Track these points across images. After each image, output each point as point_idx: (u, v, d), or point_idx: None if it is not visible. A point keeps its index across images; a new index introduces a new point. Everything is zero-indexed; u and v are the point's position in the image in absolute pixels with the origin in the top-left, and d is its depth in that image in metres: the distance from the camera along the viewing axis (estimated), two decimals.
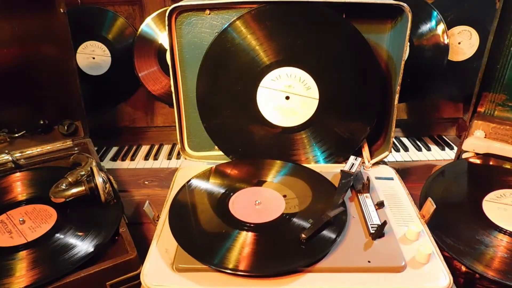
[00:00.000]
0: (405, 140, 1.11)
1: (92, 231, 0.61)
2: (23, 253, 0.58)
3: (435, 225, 0.61)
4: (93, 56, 1.04)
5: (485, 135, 0.81)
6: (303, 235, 0.54)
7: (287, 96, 0.76)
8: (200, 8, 0.73)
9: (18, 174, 0.76)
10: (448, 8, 1.00)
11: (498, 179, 0.73)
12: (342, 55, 0.74)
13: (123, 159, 1.05)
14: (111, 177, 0.70)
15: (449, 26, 1.00)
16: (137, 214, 0.79)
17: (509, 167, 0.76)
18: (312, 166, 0.76)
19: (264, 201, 0.63)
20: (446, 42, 0.98)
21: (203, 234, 0.58)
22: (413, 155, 1.03)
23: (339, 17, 0.73)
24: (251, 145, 0.80)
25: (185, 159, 0.82)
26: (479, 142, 0.80)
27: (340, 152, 0.79)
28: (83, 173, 0.70)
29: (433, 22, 0.97)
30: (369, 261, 0.52)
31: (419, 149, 1.05)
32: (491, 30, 0.76)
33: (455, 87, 1.08)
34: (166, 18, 0.71)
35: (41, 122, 0.88)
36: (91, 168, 0.68)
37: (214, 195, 0.65)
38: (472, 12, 1.00)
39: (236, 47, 0.73)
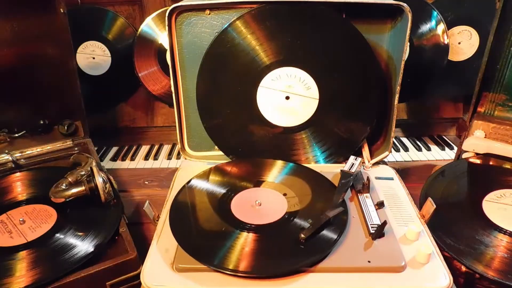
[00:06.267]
0: (405, 140, 1.11)
1: (92, 231, 0.61)
2: (23, 253, 0.58)
3: (435, 225, 0.61)
4: (93, 56, 1.04)
5: (485, 135, 0.81)
6: (302, 235, 0.54)
7: (287, 96, 0.76)
8: (200, 8, 0.73)
9: (18, 174, 0.76)
10: (448, 8, 1.00)
11: (498, 179, 0.73)
12: (342, 55, 0.74)
13: (123, 159, 1.05)
14: (111, 177, 0.70)
15: (449, 26, 1.00)
16: (137, 214, 0.79)
17: (509, 167, 0.76)
18: (312, 166, 0.76)
19: (265, 201, 0.63)
20: (446, 42, 0.98)
21: (203, 234, 0.58)
22: (413, 155, 1.03)
23: (339, 17, 0.73)
24: (251, 145, 0.80)
25: (185, 159, 0.82)
26: (479, 142, 0.80)
27: (340, 152, 0.79)
28: (83, 173, 0.70)
29: (433, 22, 0.97)
30: (369, 261, 0.52)
31: (419, 149, 1.05)
32: (491, 30, 0.76)
33: (455, 87, 1.08)
34: (166, 18, 0.71)
35: (41, 122, 0.88)
36: (91, 168, 0.68)
37: (214, 195, 0.65)
38: (472, 12, 1.00)
39: (236, 47, 0.73)
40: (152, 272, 0.52)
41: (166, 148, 1.10)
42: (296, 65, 0.74)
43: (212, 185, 0.68)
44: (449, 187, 0.72)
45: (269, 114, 0.77)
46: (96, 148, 0.90)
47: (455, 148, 1.05)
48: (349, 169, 0.70)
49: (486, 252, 0.58)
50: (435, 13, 0.97)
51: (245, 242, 0.55)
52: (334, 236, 0.55)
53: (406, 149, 1.06)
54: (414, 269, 0.52)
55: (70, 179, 0.68)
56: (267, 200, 0.64)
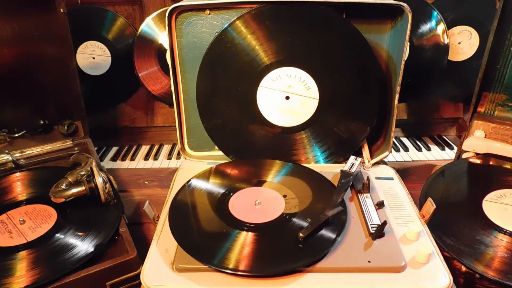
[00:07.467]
0: (405, 140, 1.11)
1: (92, 231, 0.61)
2: (23, 253, 0.58)
3: (435, 225, 0.61)
4: (93, 56, 1.04)
5: (485, 135, 0.81)
6: (300, 234, 0.54)
7: (287, 96, 0.76)
8: (200, 8, 0.73)
9: (18, 174, 0.76)
10: (448, 8, 1.00)
11: (498, 179, 0.73)
12: (342, 55, 0.74)
13: (123, 159, 1.05)
14: (111, 177, 0.70)
15: (449, 26, 1.00)
16: (137, 214, 0.79)
17: (509, 167, 0.76)
18: (312, 166, 0.76)
19: (264, 201, 0.63)
20: (446, 42, 0.98)
21: (203, 234, 0.58)
22: (413, 155, 1.03)
23: (339, 17, 0.73)
24: (251, 145, 0.80)
25: (185, 159, 0.82)
26: (479, 142, 0.80)
27: (340, 152, 0.79)
28: (83, 173, 0.70)
29: (433, 22, 0.97)
30: (369, 261, 0.52)
31: (419, 149, 1.05)
32: (491, 30, 0.76)
33: (455, 87, 1.08)
34: (166, 18, 0.71)
35: (41, 122, 0.88)
36: (91, 168, 0.68)
37: (214, 195, 0.65)
38: (472, 12, 1.00)
39: (236, 47, 0.73)
40: (152, 272, 0.52)
41: (166, 148, 1.10)
42: (296, 65, 0.74)
43: (212, 185, 0.68)
44: (449, 187, 0.72)
45: (269, 114, 0.77)
46: (96, 148, 0.90)
47: (455, 148, 1.05)
48: (349, 169, 0.70)
49: (486, 252, 0.58)
50: (435, 13, 0.97)
51: (244, 241, 0.55)
52: (333, 236, 0.55)
53: (406, 149, 1.06)
54: (414, 269, 0.52)
55: (70, 179, 0.68)
56: (267, 200, 0.64)
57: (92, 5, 1.03)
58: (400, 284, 0.50)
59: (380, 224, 0.57)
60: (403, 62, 0.70)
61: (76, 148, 0.87)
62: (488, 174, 0.76)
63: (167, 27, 0.72)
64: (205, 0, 0.72)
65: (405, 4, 0.68)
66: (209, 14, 0.74)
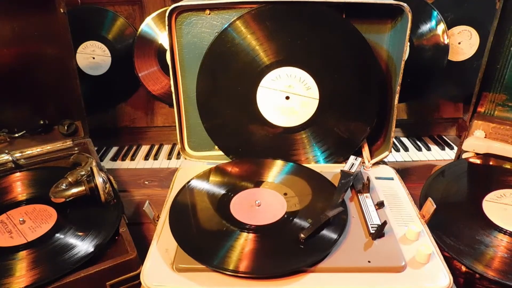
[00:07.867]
0: (405, 140, 1.11)
1: (92, 231, 0.61)
2: (23, 253, 0.58)
3: (435, 225, 0.61)
4: (93, 56, 1.04)
5: (485, 135, 0.81)
6: (301, 235, 0.54)
7: (287, 96, 0.76)
8: (200, 8, 0.73)
9: (18, 174, 0.76)
10: (448, 8, 1.00)
11: (498, 179, 0.73)
12: (342, 55, 0.74)
13: (123, 159, 1.05)
14: (111, 177, 0.70)
15: (449, 26, 1.00)
16: (137, 214, 0.79)
17: (509, 167, 0.76)
18: (312, 166, 0.76)
19: (264, 202, 0.63)
20: (446, 42, 0.98)
21: (203, 234, 0.58)
22: (413, 155, 1.03)
23: (339, 17, 0.73)
24: (251, 145, 0.80)
25: (185, 159, 0.82)
26: (479, 142, 0.80)
27: (340, 152, 0.79)
28: (83, 173, 0.70)
29: (433, 22, 0.97)
30: (369, 261, 0.52)
31: (419, 149, 1.05)
32: (491, 30, 0.76)
33: (455, 87, 1.08)
34: (166, 18, 0.71)
35: (41, 122, 0.88)
36: (91, 168, 0.68)
37: (214, 195, 0.65)
38: (472, 12, 1.00)
39: (236, 47, 0.73)
40: (152, 272, 0.52)
41: (166, 148, 1.10)
42: (296, 65, 0.74)
43: (212, 186, 0.68)
44: (449, 187, 0.72)
45: (269, 114, 0.77)
46: (96, 148, 0.90)
47: (455, 148, 1.05)
48: (349, 169, 0.70)
49: (486, 252, 0.58)
50: (435, 13, 0.97)
51: (245, 242, 0.55)
52: (334, 236, 0.55)
53: (406, 149, 1.06)
54: (414, 269, 0.52)
55: (70, 179, 0.68)
56: (267, 200, 0.64)
57: (92, 5, 1.03)
58: (400, 284, 0.50)
59: (380, 224, 0.57)
60: (403, 62, 0.71)
61: (76, 148, 0.87)
62: (488, 174, 0.76)
63: (167, 27, 0.72)
64: (205, 0, 0.72)
65: (405, 4, 0.68)
66: (209, 14, 0.74)
